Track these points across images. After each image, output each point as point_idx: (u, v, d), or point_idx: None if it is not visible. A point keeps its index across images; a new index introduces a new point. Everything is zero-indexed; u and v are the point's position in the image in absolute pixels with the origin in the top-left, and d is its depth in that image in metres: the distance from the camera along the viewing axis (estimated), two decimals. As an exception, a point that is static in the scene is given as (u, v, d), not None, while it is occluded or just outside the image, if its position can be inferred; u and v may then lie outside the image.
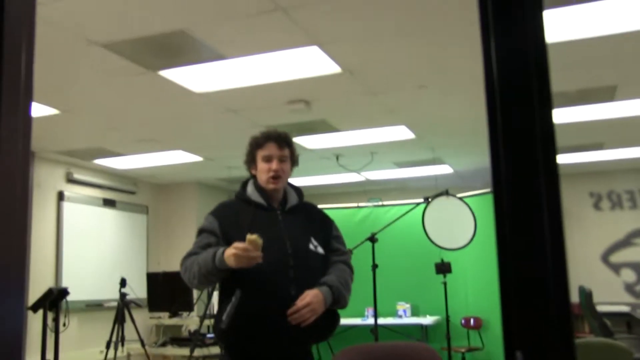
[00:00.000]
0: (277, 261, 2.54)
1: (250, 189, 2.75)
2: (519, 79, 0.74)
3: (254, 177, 2.79)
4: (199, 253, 2.56)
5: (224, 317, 2.48)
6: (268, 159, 2.69)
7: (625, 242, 9.03)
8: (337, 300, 2.60)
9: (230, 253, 2.39)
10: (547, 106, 0.71)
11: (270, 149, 2.70)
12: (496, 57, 0.76)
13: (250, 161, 2.78)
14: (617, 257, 9.04)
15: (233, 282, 2.53)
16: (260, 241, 2.38)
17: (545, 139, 0.71)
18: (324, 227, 2.79)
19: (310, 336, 2.61)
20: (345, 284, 2.66)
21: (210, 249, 2.52)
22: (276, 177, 2.68)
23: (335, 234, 2.81)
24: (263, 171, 2.70)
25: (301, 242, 2.65)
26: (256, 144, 2.74)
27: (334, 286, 2.59)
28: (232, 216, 2.68)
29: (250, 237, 2.37)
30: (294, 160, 2.79)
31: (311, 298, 2.49)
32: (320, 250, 2.68)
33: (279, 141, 2.72)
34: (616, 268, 9.01)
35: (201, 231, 2.67)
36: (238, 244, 2.39)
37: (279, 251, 2.56)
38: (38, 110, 5.45)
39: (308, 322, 2.48)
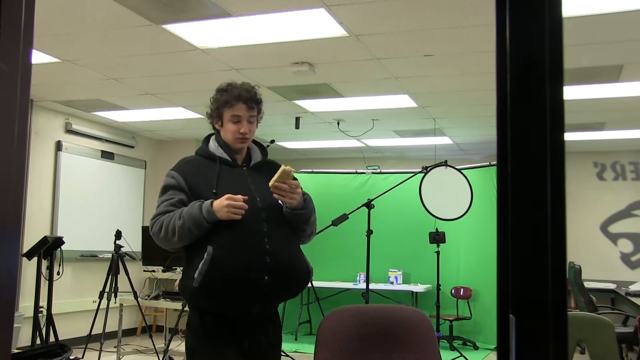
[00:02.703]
0: (249, 216, 2.49)
1: (214, 145, 2.69)
2: (532, 54, 0.73)
3: (217, 132, 2.73)
4: (172, 211, 2.50)
5: (196, 275, 2.42)
6: (237, 120, 2.64)
7: (625, 213, 9.07)
8: (305, 209, 2.64)
9: (224, 204, 2.41)
10: (558, 83, 0.71)
11: (240, 109, 2.63)
12: (510, 30, 0.75)
13: (216, 117, 2.69)
14: (616, 228, 9.10)
15: (203, 239, 2.47)
16: (292, 170, 2.51)
17: (554, 115, 0.71)
18: None
19: (284, 289, 2.59)
20: (313, 213, 2.74)
21: (194, 202, 2.48)
22: (244, 138, 2.66)
23: (303, 192, 2.77)
24: (230, 131, 2.64)
25: (269, 196, 2.60)
26: (224, 103, 2.65)
27: (307, 198, 2.68)
28: (196, 172, 2.61)
29: (286, 167, 2.48)
30: (260, 117, 2.75)
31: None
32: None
33: (249, 102, 2.65)
34: (614, 238, 9.07)
35: (167, 188, 2.59)
36: (231, 196, 2.42)
37: (250, 206, 2.51)
38: (38, 57, 5.40)
39: (292, 199, 2.55)
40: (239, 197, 2.44)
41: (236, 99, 2.63)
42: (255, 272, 2.45)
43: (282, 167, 2.50)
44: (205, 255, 2.43)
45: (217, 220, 2.43)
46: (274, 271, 2.48)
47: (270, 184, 2.53)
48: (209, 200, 2.45)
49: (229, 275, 2.44)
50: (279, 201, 2.63)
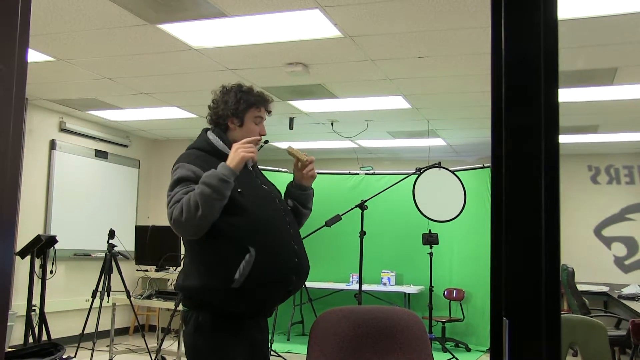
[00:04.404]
0: (277, 217, 2.58)
1: (219, 142, 2.66)
2: (527, 56, 0.74)
3: (223, 130, 2.69)
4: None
5: (237, 276, 2.40)
6: (259, 122, 2.71)
7: (619, 217, 9.08)
8: (311, 189, 2.84)
9: (235, 148, 2.48)
10: (553, 85, 0.72)
11: (263, 112, 2.73)
12: (505, 33, 0.76)
13: (234, 115, 2.65)
14: (609, 231, 9.09)
15: (240, 241, 2.45)
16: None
17: (548, 117, 0.72)
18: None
19: (299, 287, 2.70)
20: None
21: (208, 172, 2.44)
22: (259, 140, 2.71)
23: None
24: (251, 131, 2.65)
25: (280, 197, 2.72)
26: (251, 103, 2.66)
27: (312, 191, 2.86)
28: (209, 167, 2.51)
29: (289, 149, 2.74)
30: None
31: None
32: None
33: (268, 107, 2.75)
34: (608, 242, 9.07)
35: (182, 180, 2.51)
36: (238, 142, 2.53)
37: (274, 207, 2.60)
38: (33, 56, 5.39)
39: (313, 173, 2.78)
40: (247, 139, 2.55)
41: (262, 102, 2.71)
42: (288, 272, 2.54)
43: (290, 149, 2.74)
44: (247, 257, 2.42)
45: (234, 173, 2.42)
46: (299, 271, 2.59)
47: (303, 158, 2.76)
48: (221, 163, 2.46)
49: (270, 277, 2.51)
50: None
